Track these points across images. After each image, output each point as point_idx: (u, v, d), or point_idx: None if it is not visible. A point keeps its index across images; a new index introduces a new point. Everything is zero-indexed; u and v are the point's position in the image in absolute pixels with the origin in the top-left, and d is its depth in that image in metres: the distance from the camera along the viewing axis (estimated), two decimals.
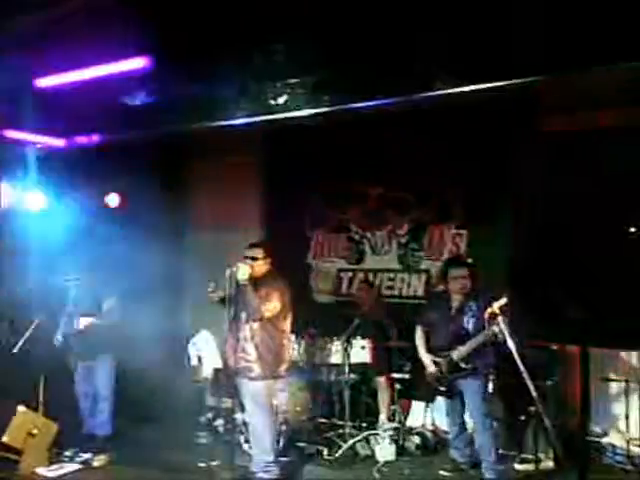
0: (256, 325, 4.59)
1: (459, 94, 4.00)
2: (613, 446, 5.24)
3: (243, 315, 4.63)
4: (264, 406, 4.62)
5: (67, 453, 5.26)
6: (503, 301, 4.31)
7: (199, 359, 6.41)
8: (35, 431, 4.94)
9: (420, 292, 6.61)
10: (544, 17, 3.38)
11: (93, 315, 5.38)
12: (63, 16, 3.89)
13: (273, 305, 4.55)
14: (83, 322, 5.33)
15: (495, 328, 4.39)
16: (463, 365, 4.67)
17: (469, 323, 4.71)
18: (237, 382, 4.72)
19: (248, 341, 4.60)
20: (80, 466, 5.15)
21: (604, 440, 5.34)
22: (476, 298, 4.70)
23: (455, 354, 4.71)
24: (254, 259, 4.63)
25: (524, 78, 3.76)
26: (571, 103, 5.15)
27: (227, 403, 5.80)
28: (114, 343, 5.48)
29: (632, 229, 5.12)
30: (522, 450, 5.14)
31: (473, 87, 3.93)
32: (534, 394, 4.10)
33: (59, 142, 5.88)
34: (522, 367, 4.10)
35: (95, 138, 5.60)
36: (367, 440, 5.50)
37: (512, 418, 5.25)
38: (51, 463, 5.08)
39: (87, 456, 5.24)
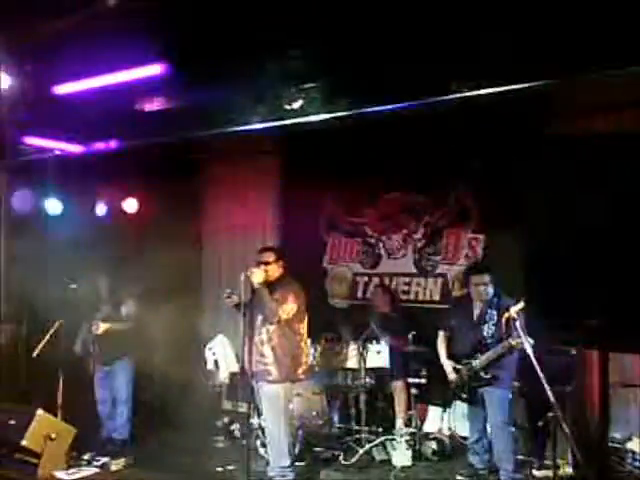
0: (273, 328, 4.60)
1: (474, 97, 3.98)
2: (633, 452, 5.16)
3: (260, 318, 4.64)
4: (281, 410, 4.62)
5: (85, 457, 5.30)
6: (520, 305, 4.28)
7: (215, 363, 6.42)
8: (54, 435, 4.98)
9: (436, 296, 6.57)
10: (552, 20, 3.36)
11: (112, 320, 5.44)
12: (80, 23, 3.92)
13: (290, 307, 4.56)
14: (102, 327, 5.39)
15: (512, 341, 4.38)
16: (483, 374, 4.64)
17: (490, 332, 4.68)
18: (254, 386, 4.72)
19: (265, 344, 4.61)
20: (98, 470, 5.19)
21: (624, 446, 5.26)
22: (497, 306, 4.66)
23: (475, 363, 4.68)
24: (267, 263, 4.65)
25: (545, 80, 3.73)
26: (591, 106, 5.11)
27: (243, 407, 5.81)
28: (133, 347, 5.54)
29: None
30: (541, 456, 5.08)
31: (492, 90, 3.91)
32: (552, 399, 4.06)
33: (77, 148, 5.94)
34: (540, 372, 4.06)
35: (112, 144, 5.65)
36: (383, 445, 5.48)
37: (531, 424, 5.20)
38: (69, 467, 5.12)
39: (105, 460, 5.28)
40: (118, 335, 5.48)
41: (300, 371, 4.73)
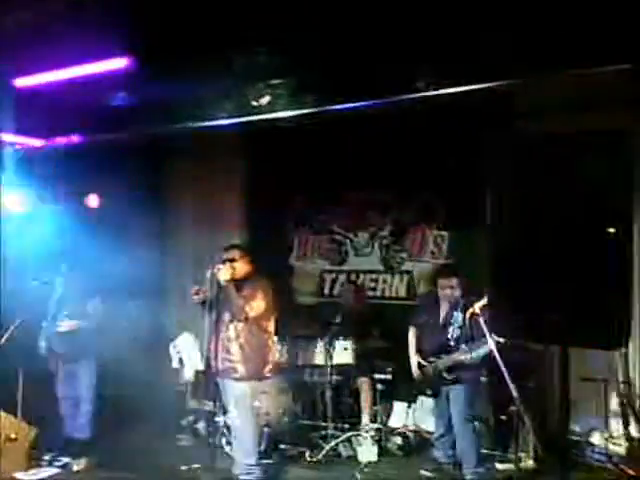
0: (241, 325, 4.56)
1: (439, 96, 4.02)
2: (593, 445, 5.29)
3: (227, 316, 4.61)
4: (247, 408, 4.60)
5: (46, 457, 5.21)
6: (483, 302, 4.35)
7: (180, 361, 6.37)
8: (14, 435, 4.88)
9: (402, 293, 6.64)
10: (519, 19, 3.42)
11: (77, 317, 5.36)
12: (43, 14, 3.85)
13: (257, 304, 4.53)
14: (67, 324, 5.29)
15: (472, 354, 4.47)
16: (446, 375, 4.70)
17: (455, 334, 4.72)
18: (220, 384, 4.69)
19: (232, 341, 4.57)
20: (59, 470, 5.10)
21: (584, 439, 5.39)
22: (463, 307, 4.71)
23: (440, 363, 4.73)
24: (233, 260, 4.61)
25: (502, 80, 3.80)
26: (548, 105, 5.21)
27: (208, 406, 5.78)
28: (98, 346, 5.45)
29: (608, 230, 5.17)
30: (504, 449, 5.18)
31: (453, 89, 3.96)
32: (515, 394, 4.15)
33: (39, 142, 5.82)
34: (503, 367, 4.14)
35: (75, 139, 5.56)
36: (349, 441, 5.50)
37: (494, 418, 5.30)
38: (30, 467, 5.02)
39: (66, 460, 5.19)
40: (84, 333, 5.37)
41: (267, 369, 4.71)
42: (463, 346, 4.62)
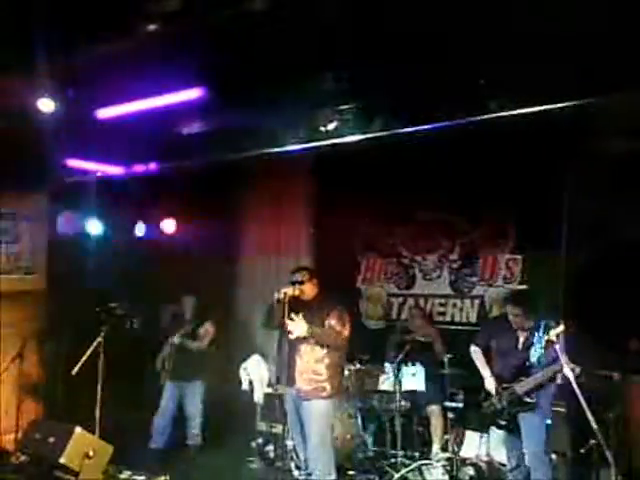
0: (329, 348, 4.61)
1: (513, 117, 3.94)
2: None
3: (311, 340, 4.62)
4: (329, 426, 4.66)
5: (122, 476, 5.33)
6: (560, 329, 4.18)
7: (250, 383, 6.43)
8: (91, 452, 5.03)
9: (473, 318, 6.47)
10: (600, 38, 3.32)
11: (191, 338, 6.04)
12: (122, 49, 4.04)
13: (348, 329, 4.66)
14: (177, 342, 5.99)
15: (565, 370, 4.24)
16: (527, 399, 4.52)
17: (533, 358, 4.56)
18: (293, 406, 4.70)
19: (319, 362, 4.58)
20: None
21: None
22: (545, 329, 4.53)
23: (518, 388, 4.56)
24: (301, 283, 4.65)
25: (579, 100, 3.68)
26: (628, 126, 5.00)
27: (278, 428, 5.78)
28: (206, 364, 6.12)
29: None
30: None
31: (527, 110, 3.87)
32: (594, 426, 3.94)
33: (118, 170, 6.09)
34: (581, 398, 3.95)
35: (152, 166, 5.78)
36: (420, 470, 5.37)
37: (572, 451, 5.04)
38: None
39: (141, 478, 5.30)
40: (196, 353, 6.01)
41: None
42: (545, 367, 4.45)
